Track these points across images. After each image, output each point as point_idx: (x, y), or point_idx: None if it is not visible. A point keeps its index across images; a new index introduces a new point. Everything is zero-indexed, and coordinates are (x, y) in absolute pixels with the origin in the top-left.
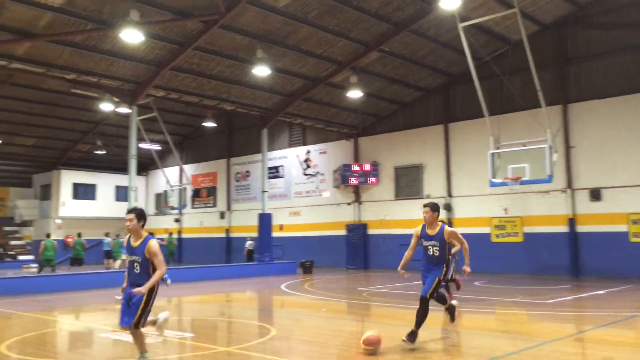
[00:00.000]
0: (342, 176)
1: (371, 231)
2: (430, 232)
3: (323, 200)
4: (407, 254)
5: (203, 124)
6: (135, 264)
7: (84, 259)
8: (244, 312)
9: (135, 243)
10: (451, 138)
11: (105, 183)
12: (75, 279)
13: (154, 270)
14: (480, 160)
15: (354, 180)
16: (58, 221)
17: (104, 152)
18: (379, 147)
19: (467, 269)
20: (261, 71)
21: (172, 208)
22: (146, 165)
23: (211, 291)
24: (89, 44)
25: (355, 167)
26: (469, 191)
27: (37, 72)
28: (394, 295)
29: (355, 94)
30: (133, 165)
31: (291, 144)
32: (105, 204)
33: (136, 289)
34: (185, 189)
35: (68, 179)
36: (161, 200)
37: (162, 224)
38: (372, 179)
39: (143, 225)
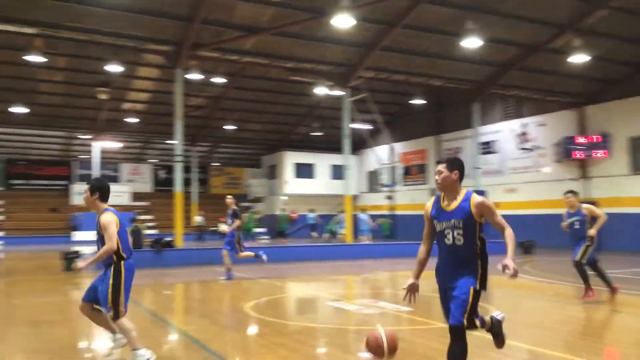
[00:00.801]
0: (565, 150)
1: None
2: (446, 205)
3: (542, 176)
4: (421, 251)
5: (411, 102)
6: (98, 240)
7: (287, 231)
8: None
9: (97, 218)
10: None
11: (322, 162)
12: (301, 250)
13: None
14: None
15: (578, 154)
16: (283, 198)
17: (320, 133)
18: (610, 116)
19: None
20: (471, 43)
21: (384, 185)
22: (358, 144)
23: (425, 267)
24: (306, 33)
25: (581, 139)
26: None
27: (262, 64)
28: (634, 281)
29: (579, 58)
30: (347, 145)
31: (505, 117)
32: (323, 182)
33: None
34: (395, 166)
35: (290, 159)
36: (373, 178)
37: (375, 201)
38: (602, 152)
39: (101, 198)
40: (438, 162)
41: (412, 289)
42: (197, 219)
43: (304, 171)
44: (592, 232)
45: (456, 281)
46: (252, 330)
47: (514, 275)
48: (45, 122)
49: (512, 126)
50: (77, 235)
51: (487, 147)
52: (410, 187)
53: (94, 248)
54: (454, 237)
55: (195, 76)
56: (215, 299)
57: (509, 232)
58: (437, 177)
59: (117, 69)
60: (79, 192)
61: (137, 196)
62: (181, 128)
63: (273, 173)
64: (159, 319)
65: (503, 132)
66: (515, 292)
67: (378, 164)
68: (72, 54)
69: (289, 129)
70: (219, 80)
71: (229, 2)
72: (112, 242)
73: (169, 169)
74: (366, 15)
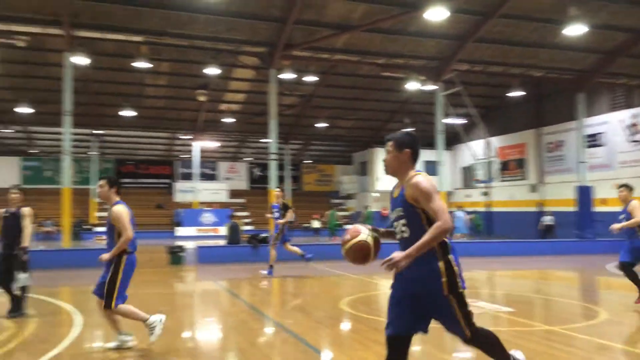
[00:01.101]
0: None
1: None
2: (395, 192)
3: None
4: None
5: (509, 94)
6: (108, 231)
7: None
8: (563, 290)
9: (109, 211)
10: None
11: None
12: (392, 248)
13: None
14: None
15: None
16: (375, 194)
17: (412, 129)
18: None
19: None
20: (574, 30)
21: (479, 181)
22: (451, 139)
23: (524, 267)
24: (397, 28)
25: None
26: None
27: (353, 61)
28: None
29: None
30: (440, 140)
31: (613, 108)
32: None
33: (101, 256)
34: (492, 161)
35: (381, 155)
36: (468, 174)
37: (470, 197)
38: None
39: (116, 192)
40: (387, 140)
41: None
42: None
43: None
44: (615, 226)
45: (420, 289)
46: (347, 325)
47: (388, 266)
48: (150, 124)
49: (621, 117)
50: (180, 231)
51: (593, 140)
52: (508, 183)
53: (196, 242)
54: (401, 230)
55: (288, 76)
56: (310, 294)
57: (437, 225)
58: (384, 158)
59: (215, 72)
60: (181, 190)
61: (233, 193)
62: (275, 127)
63: (364, 170)
64: (256, 312)
65: (611, 123)
66: (626, 294)
67: (473, 159)
68: (174, 59)
69: (380, 125)
70: (310, 78)
71: (321, 2)
72: (127, 232)
73: (263, 167)
74: (460, 7)
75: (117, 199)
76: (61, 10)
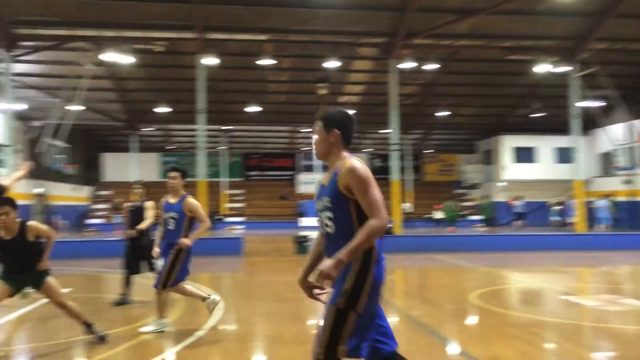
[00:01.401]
0: None
1: None
2: (325, 179)
3: None
4: (317, 238)
5: None
6: (171, 220)
7: (494, 219)
8: None
9: (173, 200)
10: None
11: (545, 145)
12: (518, 239)
13: (188, 229)
14: None
15: None
16: (501, 184)
17: (541, 114)
18: None
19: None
20: None
21: (620, 169)
22: (587, 123)
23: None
24: (524, 9)
25: None
26: None
27: (477, 45)
28: None
29: None
30: (575, 125)
31: None
32: (545, 167)
33: (183, 240)
34: (635, 147)
35: (508, 143)
36: (606, 161)
37: (608, 186)
38: None
39: (185, 185)
40: (316, 119)
41: (302, 287)
42: (405, 206)
43: (523, 155)
44: None
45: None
46: (481, 319)
47: (320, 281)
48: (274, 118)
49: None
50: (304, 221)
51: None
52: None
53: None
54: (325, 224)
55: (408, 65)
56: (437, 286)
57: (371, 223)
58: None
59: (335, 65)
60: (304, 182)
61: None
62: (396, 117)
63: (489, 158)
64: (384, 302)
65: None
66: None
67: (612, 145)
68: (296, 54)
69: (506, 112)
70: (431, 66)
71: None
72: (207, 221)
73: (384, 158)
74: None
75: (185, 191)
76: (194, 15)
